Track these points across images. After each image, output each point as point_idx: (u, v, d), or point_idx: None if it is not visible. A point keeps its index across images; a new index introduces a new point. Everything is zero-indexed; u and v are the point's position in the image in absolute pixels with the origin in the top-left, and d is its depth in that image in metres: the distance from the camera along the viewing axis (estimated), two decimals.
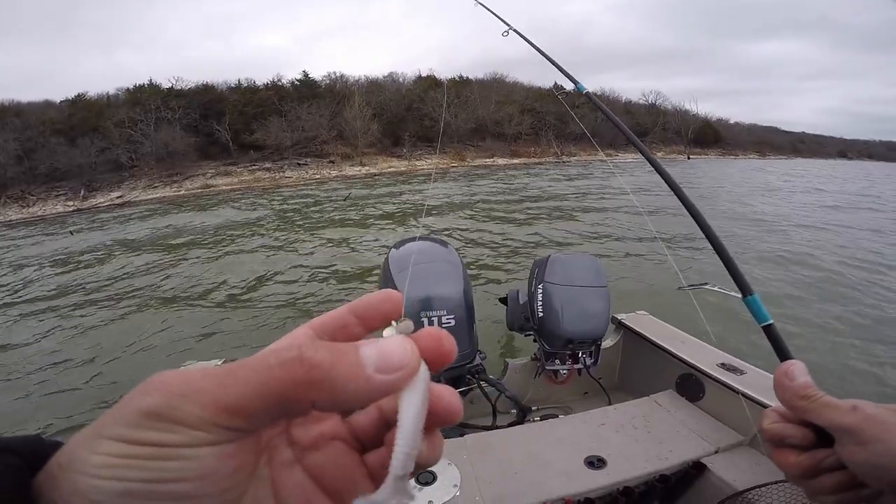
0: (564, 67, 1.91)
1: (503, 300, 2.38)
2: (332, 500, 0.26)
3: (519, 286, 2.35)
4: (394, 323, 0.27)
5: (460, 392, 1.92)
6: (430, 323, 1.80)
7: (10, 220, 26.81)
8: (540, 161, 39.65)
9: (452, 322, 1.82)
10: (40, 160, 32.13)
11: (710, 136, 61.27)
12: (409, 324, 0.27)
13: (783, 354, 0.98)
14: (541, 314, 2.03)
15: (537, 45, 2.00)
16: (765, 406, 1.49)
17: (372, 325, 0.28)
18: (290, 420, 0.26)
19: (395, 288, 1.68)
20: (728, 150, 62.61)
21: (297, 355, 0.21)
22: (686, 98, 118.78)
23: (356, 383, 0.22)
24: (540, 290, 2.06)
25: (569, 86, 1.89)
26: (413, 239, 2.18)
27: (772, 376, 1.51)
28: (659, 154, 52.86)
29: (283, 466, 0.26)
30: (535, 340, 2.17)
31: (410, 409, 0.24)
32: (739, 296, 1.14)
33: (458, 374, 1.93)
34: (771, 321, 1.05)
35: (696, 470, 1.49)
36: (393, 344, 0.24)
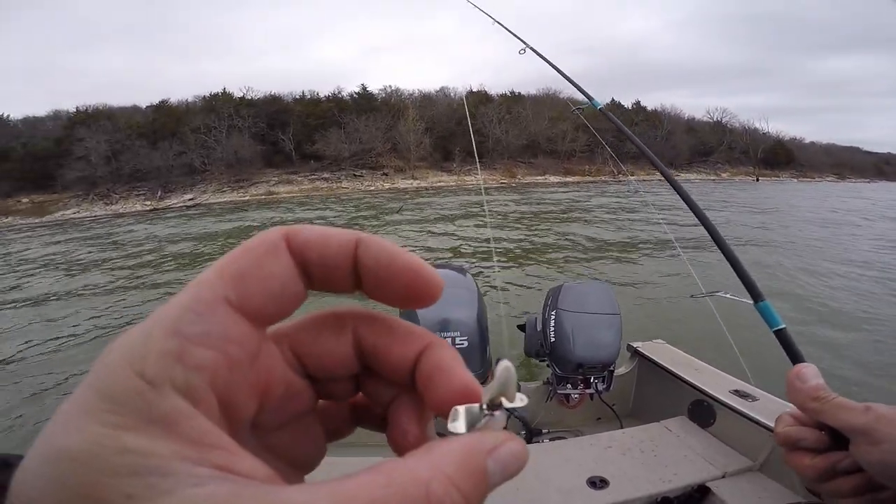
0: (581, 84, 1.98)
1: (521, 327, 2.45)
2: (296, 473, 0.23)
3: (537, 314, 2.39)
4: (484, 410, 0.19)
5: None
6: None
7: (97, 216, 29.55)
8: (594, 180, 38.67)
9: (465, 344, 1.92)
10: (125, 161, 35.26)
11: (781, 156, 57.82)
12: (501, 418, 0.19)
13: (795, 358, 1.01)
14: (553, 339, 2.09)
15: (553, 63, 2.06)
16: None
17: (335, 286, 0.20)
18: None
19: (415, 312, 1.75)
20: (802, 171, 58.76)
21: (424, 496, 0.15)
22: (755, 116, 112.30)
23: None
24: (553, 317, 2.12)
25: (588, 96, 1.96)
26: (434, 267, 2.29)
27: (785, 402, 1.45)
28: (724, 175, 50.36)
29: (247, 446, 0.19)
30: (547, 365, 2.22)
31: None
32: (751, 302, 1.16)
33: None
34: (783, 326, 1.08)
35: (699, 493, 1.47)
36: (517, 462, 0.18)
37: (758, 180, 49.09)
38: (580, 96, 2.01)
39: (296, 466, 0.23)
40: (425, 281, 0.20)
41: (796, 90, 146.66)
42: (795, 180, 52.86)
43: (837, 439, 0.44)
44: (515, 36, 2.17)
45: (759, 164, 54.18)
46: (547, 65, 2.08)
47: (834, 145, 72.80)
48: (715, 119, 58.71)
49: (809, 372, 0.47)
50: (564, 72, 2.03)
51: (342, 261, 0.19)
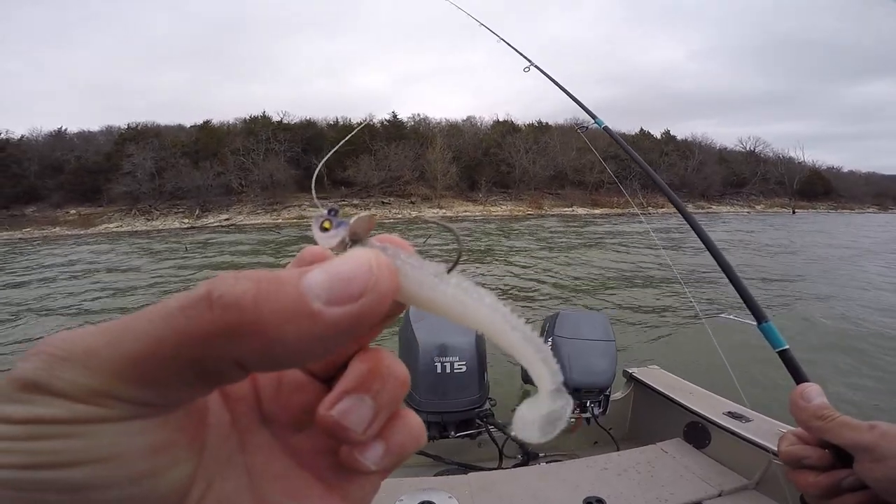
0: (588, 105, 1.98)
1: None
2: (330, 489, 0.22)
3: None
4: (324, 224, 0.21)
5: (469, 435, 2.09)
6: (443, 368, 2.03)
7: (137, 231, 30.95)
8: (622, 212, 37.94)
9: (464, 368, 2.04)
10: (168, 179, 36.80)
11: (819, 186, 55.82)
12: (363, 222, 0.20)
13: (799, 378, 1.03)
14: None
15: (557, 80, 2.10)
16: (770, 451, 1.52)
17: None
18: (218, 387, 0.19)
19: (415, 337, 1.92)
20: (841, 202, 56.55)
21: (205, 293, 0.16)
22: (790, 145, 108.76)
23: (297, 325, 0.16)
24: (549, 344, 2.15)
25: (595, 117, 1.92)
26: None
27: (777, 422, 1.57)
28: (759, 207, 48.84)
29: (262, 451, 0.21)
30: None
31: (476, 306, 0.19)
32: (754, 323, 1.21)
33: (467, 417, 2.10)
34: (786, 346, 1.11)
35: None
36: (350, 260, 0.17)
37: (794, 212, 47.49)
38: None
39: (335, 491, 0.22)
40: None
41: (832, 117, 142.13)
42: (834, 212, 50.82)
43: (841, 457, 0.45)
44: (519, 53, 2.19)
45: (796, 195, 52.43)
46: (560, 90, 2.08)
47: (874, 174, 69.74)
48: (748, 148, 57.44)
49: (813, 391, 0.48)
50: (570, 91, 2.06)
51: None
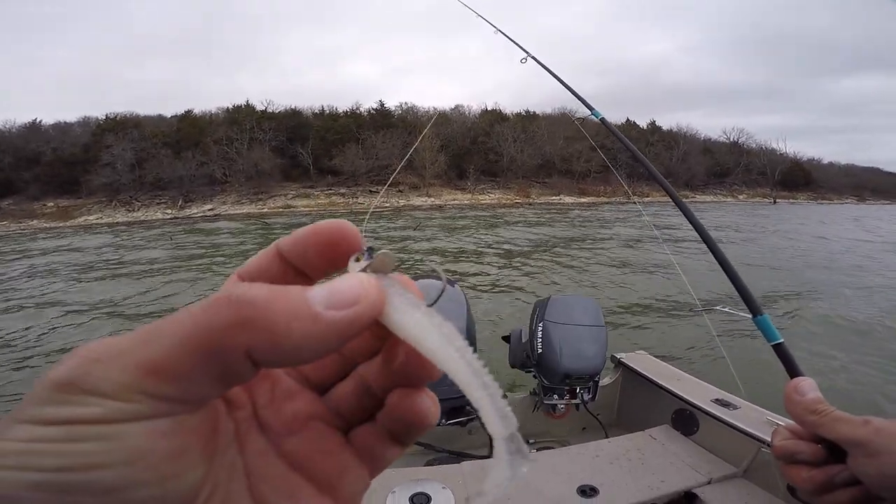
0: (583, 96, 1.99)
1: (506, 338, 2.49)
2: (321, 490, 0.24)
3: (522, 325, 2.44)
4: (357, 258, 0.23)
5: (459, 422, 2.10)
6: None
7: (118, 222, 30.33)
8: (609, 200, 38.32)
9: None
10: (149, 170, 36.08)
11: (799, 177, 57.02)
12: (385, 259, 0.23)
13: (793, 372, 1.03)
14: (540, 350, 2.13)
15: (554, 72, 2.10)
16: (758, 439, 1.53)
17: (314, 273, 0.24)
18: (231, 385, 0.20)
19: None
20: (820, 193, 57.90)
21: (225, 295, 0.18)
22: (772, 136, 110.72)
23: (301, 323, 0.18)
24: (540, 328, 2.16)
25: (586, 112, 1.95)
26: (422, 277, 2.36)
27: (765, 410, 1.52)
28: (741, 197, 49.66)
29: (259, 456, 0.23)
30: (534, 376, 2.27)
31: (442, 346, 0.20)
32: (749, 316, 1.20)
33: (457, 405, 2.07)
34: (781, 340, 1.10)
35: (687, 500, 1.53)
36: (346, 278, 0.21)
37: (775, 202, 48.38)
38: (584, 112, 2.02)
39: (326, 491, 0.24)
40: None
41: (814, 110, 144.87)
42: (814, 202, 51.93)
43: (834, 452, 0.45)
44: (516, 44, 2.20)
45: (777, 185, 53.42)
46: (557, 81, 2.09)
47: (853, 166, 72.07)
48: (731, 139, 58.28)
49: (807, 385, 0.48)
50: (566, 82, 2.08)
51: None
